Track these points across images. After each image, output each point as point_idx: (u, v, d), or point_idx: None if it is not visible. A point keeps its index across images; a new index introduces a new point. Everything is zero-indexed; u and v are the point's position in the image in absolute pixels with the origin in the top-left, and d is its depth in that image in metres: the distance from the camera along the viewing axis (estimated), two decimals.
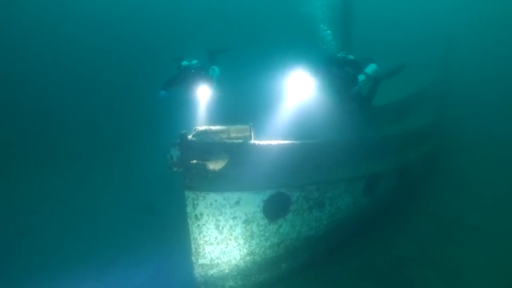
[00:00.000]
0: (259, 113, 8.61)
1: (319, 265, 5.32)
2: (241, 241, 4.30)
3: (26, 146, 11.76)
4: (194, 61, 7.44)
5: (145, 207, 8.05)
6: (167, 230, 6.99)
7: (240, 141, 3.93)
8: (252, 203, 4.15)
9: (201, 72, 7.19)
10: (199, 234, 4.04)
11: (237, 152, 3.92)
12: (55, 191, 9.15)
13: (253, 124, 4.23)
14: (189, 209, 3.90)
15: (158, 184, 8.64)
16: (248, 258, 4.41)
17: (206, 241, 4.11)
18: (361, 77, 6.09)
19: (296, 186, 4.36)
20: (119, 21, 19.91)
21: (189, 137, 3.78)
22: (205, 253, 4.14)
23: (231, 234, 4.20)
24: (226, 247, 4.23)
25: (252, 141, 3.98)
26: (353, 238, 5.73)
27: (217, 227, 4.09)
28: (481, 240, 6.31)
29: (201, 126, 3.93)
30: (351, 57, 6.28)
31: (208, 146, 3.79)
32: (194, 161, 3.76)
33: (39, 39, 17.34)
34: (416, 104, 8.72)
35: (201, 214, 3.97)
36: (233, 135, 4.26)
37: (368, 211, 5.72)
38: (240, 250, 4.32)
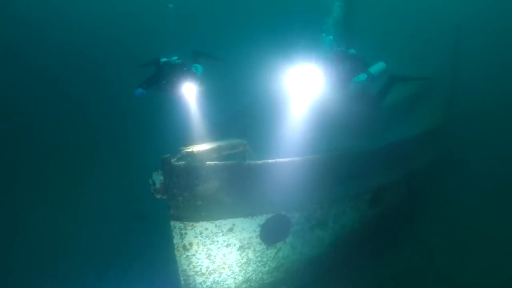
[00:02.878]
0: (255, 113, 8.13)
1: (322, 284, 4.97)
2: (236, 269, 3.88)
3: (13, 151, 11.31)
4: (174, 57, 6.60)
5: (137, 214, 7.64)
6: (159, 239, 6.65)
7: (233, 162, 3.45)
8: (247, 228, 3.71)
9: (183, 68, 6.38)
10: (188, 265, 3.62)
11: (229, 175, 3.46)
12: (43, 199, 8.74)
13: (248, 141, 3.76)
14: (176, 240, 3.45)
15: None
16: (244, 285, 4.01)
17: (196, 272, 3.68)
18: (362, 76, 5.47)
19: (297, 207, 3.91)
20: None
21: (174, 160, 3.30)
22: (195, 284, 3.72)
23: (224, 263, 3.78)
24: (220, 277, 3.81)
25: (247, 162, 3.51)
26: (358, 253, 5.35)
27: (208, 256, 3.66)
28: (493, 249, 5.95)
29: (187, 147, 3.43)
30: (352, 51, 5.67)
31: (196, 171, 3.31)
32: (181, 188, 3.30)
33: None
34: (423, 99, 8.21)
35: (190, 244, 3.53)
36: (225, 152, 3.78)
37: (375, 223, 5.30)
38: (235, 278, 3.91)
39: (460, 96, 9.17)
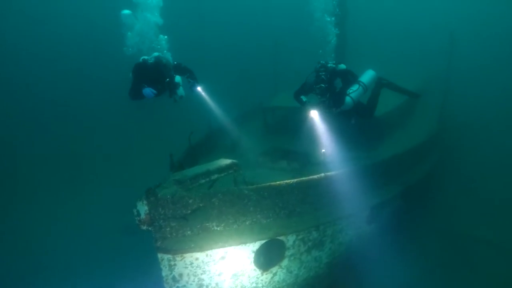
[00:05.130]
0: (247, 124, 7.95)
1: None
2: None
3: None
4: (155, 54, 5.64)
5: (125, 228, 7.42)
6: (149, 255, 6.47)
7: (222, 190, 3.26)
8: (240, 255, 3.52)
9: (174, 62, 5.59)
10: None
11: (219, 203, 3.27)
12: (33, 211, 8.56)
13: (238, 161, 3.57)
14: (164, 272, 3.25)
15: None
16: None
17: None
18: (354, 87, 5.28)
19: (292, 231, 3.73)
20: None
21: (159, 189, 3.09)
22: None
23: None
24: None
25: (237, 188, 3.32)
26: (356, 269, 5.19)
27: (200, 286, 3.46)
28: (492, 256, 5.86)
29: (175, 173, 3.23)
30: (342, 66, 5.47)
31: (183, 200, 3.11)
32: (167, 219, 3.10)
33: None
34: (417, 107, 8.08)
35: (180, 275, 3.33)
36: (214, 176, 3.59)
37: (373, 238, 5.14)
38: None
39: (453, 103, 9.10)
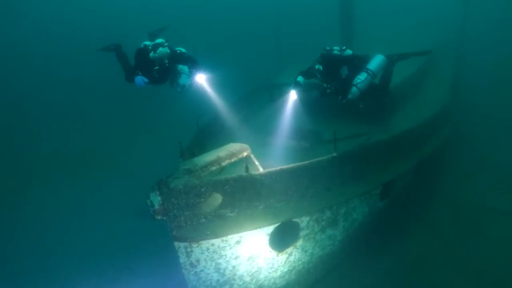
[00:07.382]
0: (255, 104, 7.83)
1: (334, 278, 4.90)
2: (247, 278, 3.77)
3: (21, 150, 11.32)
4: (159, 40, 5.40)
5: (141, 211, 7.52)
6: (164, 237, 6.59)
7: (234, 175, 3.25)
8: (255, 239, 3.56)
9: (177, 52, 5.33)
10: (197, 281, 3.51)
11: (231, 189, 3.27)
12: (46, 199, 8.75)
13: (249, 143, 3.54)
14: (182, 259, 3.32)
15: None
16: None
17: (206, 286, 3.59)
18: (362, 76, 5.06)
19: (306, 212, 3.74)
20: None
21: (171, 179, 3.10)
22: None
23: (234, 274, 3.67)
24: None
25: (249, 174, 3.31)
26: (370, 243, 5.24)
27: (217, 270, 3.54)
28: (504, 225, 5.84)
29: (185, 162, 3.22)
30: (348, 52, 5.24)
31: (195, 189, 3.11)
32: (181, 208, 3.12)
33: None
34: (429, 75, 7.83)
35: (198, 261, 3.40)
36: (225, 162, 3.58)
37: (385, 212, 5.15)
38: (246, 287, 3.81)
39: (467, 68, 8.75)
